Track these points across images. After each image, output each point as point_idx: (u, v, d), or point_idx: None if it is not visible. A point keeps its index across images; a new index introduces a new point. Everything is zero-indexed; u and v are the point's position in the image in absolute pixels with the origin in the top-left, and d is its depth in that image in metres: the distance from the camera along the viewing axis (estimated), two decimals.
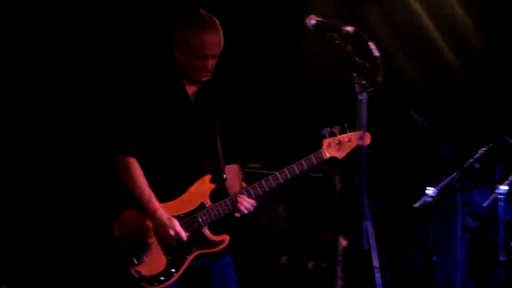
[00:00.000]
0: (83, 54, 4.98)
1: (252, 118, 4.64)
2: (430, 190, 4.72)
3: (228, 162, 3.75)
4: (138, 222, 3.58)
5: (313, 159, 3.61)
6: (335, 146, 3.60)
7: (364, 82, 2.92)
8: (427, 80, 5.68)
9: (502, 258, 4.45)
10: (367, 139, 3.57)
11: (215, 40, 3.58)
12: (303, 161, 3.61)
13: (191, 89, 3.70)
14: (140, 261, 3.55)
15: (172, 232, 3.52)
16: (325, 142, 3.61)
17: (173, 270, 3.56)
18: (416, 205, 4.74)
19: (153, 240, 3.57)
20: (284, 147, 5.04)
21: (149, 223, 3.57)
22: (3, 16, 4.74)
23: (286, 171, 3.61)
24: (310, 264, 4.77)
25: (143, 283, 3.53)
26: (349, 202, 4.65)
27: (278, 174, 3.62)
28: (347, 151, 3.61)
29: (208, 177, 3.65)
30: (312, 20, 3.07)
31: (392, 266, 5.24)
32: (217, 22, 3.62)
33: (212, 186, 3.64)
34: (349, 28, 2.98)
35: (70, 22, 4.93)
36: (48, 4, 4.85)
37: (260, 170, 4.65)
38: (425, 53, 5.63)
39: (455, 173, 4.75)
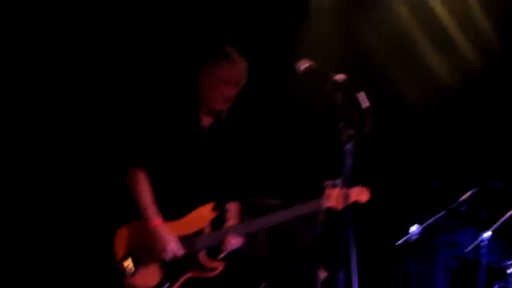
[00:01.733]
0: (108, 68, 5.09)
1: (259, 157, 4.66)
2: (414, 228, 4.68)
3: (230, 198, 3.85)
4: (138, 236, 3.66)
5: (313, 206, 3.72)
6: (335, 198, 3.65)
7: (351, 132, 2.86)
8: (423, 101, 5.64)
9: None
10: (366, 196, 3.78)
11: (241, 69, 3.78)
12: (300, 207, 3.74)
13: (206, 121, 3.83)
14: (135, 273, 3.62)
15: (169, 247, 3.60)
16: (327, 192, 3.68)
17: (165, 287, 3.63)
18: (399, 242, 4.70)
19: (150, 255, 3.64)
20: (286, 187, 5.08)
21: (148, 237, 3.64)
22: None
23: (285, 213, 3.74)
24: None
25: None
26: (332, 233, 4.61)
27: (274, 216, 3.74)
28: (345, 204, 3.61)
29: (211, 205, 3.75)
30: (303, 65, 3.01)
31: None
32: None
33: (214, 214, 3.74)
34: (340, 77, 2.92)
35: (94, 36, 5.03)
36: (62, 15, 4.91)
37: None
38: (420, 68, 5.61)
39: (441, 213, 4.71)
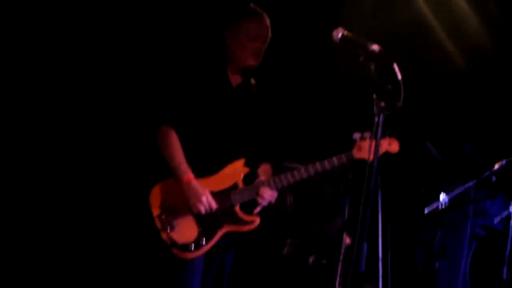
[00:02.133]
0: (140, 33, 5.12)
1: (288, 118, 4.69)
2: (442, 197, 4.68)
3: (261, 159, 3.90)
4: (173, 193, 3.72)
5: (344, 158, 3.75)
6: (366, 149, 3.68)
7: (383, 104, 2.85)
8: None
9: (504, 277, 4.42)
10: (396, 146, 3.76)
11: (266, 24, 3.83)
12: (334, 158, 3.74)
13: (235, 80, 3.88)
14: (173, 228, 3.68)
15: (204, 199, 3.65)
16: (357, 145, 3.74)
17: (203, 241, 3.69)
18: (426, 211, 4.71)
19: (186, 210, 3.70)
20: (316, 148, 5.09)
21: (182, 193, 3.70)
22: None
23: (316, 165, 3.75)
24: (311, 259, 4.77)
25: (173, 249, 3.68)
26: (358, 200, 4.62)
27: (306, 168, 3.74)
28: (377, 154, 3.63)
29: (242, 160, 3.80)
30: (339, 33, 2.99)
31: (396, 263, 5.22)
32: None
33: (246, 169, 3.79)
34: (375, 47, 2.89)
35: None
36: None
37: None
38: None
39: (470, 183, 4.69)
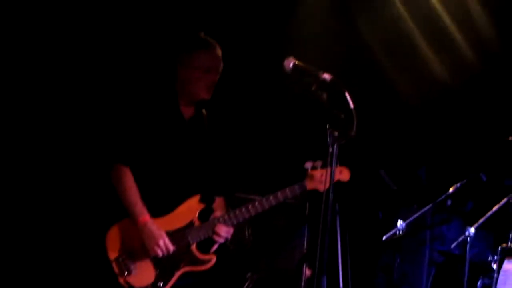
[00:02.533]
0: (87, 64, 4.99)
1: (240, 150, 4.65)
2: (399, 223, 4.69)
3: (215, 192, 3.83)
4: (129, 234, 3.65)
5: (296, 189, 3.69)
6: (317, 179, 3.64)
7: (336, 134, 2.83)
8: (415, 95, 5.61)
9: None
10: (346, 175, 3.74)
11: (219, 54, 3.76)
12: (287, 190, 3.68)
13: (188, 112, 3.81)
14: (130, 272, 3.61)
15: (160, 243, 3.59)
16: (308, 174, 3.68)
17: (161, 284, 3.63)
18: (384, 237, 4.71)
19: (143, 252, 3.63)
20: (270, 179, 5.07)
21: (139, 235, 3.62)
22: None
23: (270, 198, 3.69)
24: None
25: None
26: (317, 229, 4.60)
27: (260, 202, 3.69)
28: (330, 183, 3.61)
29: (198, 197, 3.74)
30: (291, 63, 2.97)
31: None
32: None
33: (202, 206, 3.73)
34: (326, 76, 2.89)
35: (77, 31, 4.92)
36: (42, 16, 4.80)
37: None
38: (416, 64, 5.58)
39: (426, 208, 4.71)
